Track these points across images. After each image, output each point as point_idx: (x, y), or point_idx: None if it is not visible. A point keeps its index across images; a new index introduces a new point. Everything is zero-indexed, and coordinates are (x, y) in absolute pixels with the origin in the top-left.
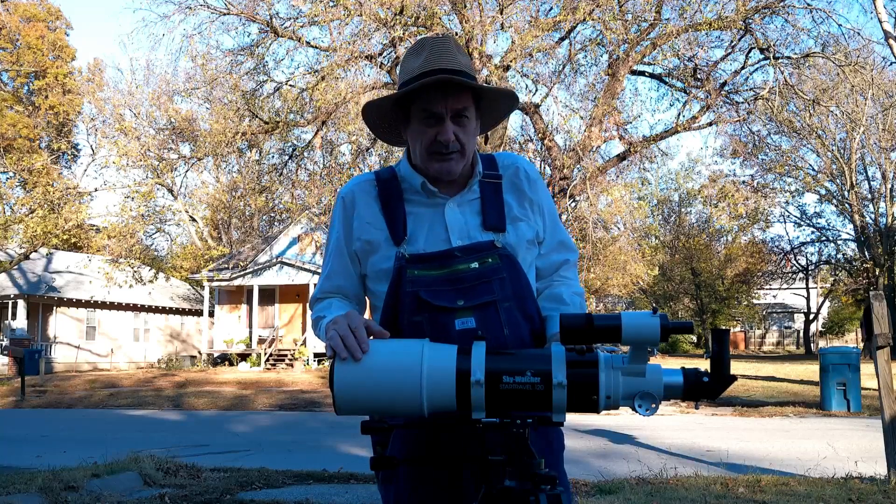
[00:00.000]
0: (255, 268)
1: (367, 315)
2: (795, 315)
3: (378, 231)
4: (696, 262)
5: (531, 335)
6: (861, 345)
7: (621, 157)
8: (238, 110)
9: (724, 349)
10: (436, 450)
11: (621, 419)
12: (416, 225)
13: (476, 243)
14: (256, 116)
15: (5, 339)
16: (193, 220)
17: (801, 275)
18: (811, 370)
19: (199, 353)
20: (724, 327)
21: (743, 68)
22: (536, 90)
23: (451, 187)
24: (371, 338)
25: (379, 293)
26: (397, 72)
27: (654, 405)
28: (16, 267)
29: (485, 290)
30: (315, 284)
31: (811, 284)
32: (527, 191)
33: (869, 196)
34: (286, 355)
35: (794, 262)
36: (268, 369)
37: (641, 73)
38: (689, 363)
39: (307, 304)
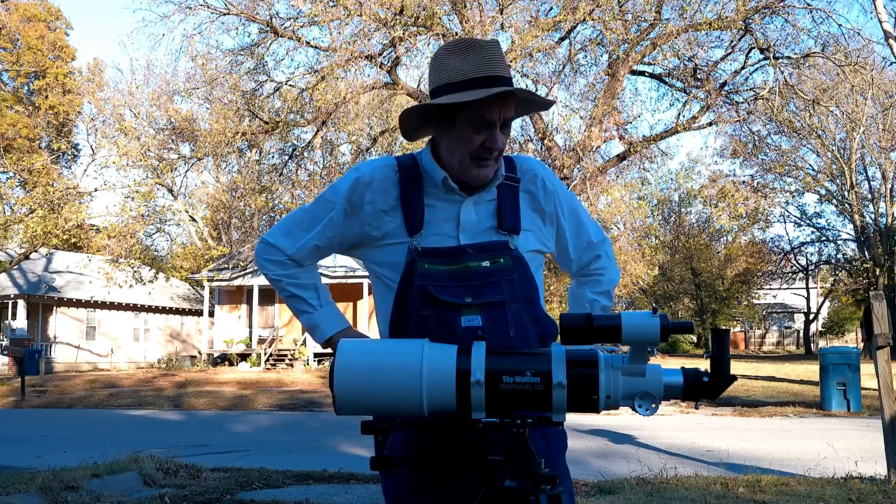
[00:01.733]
0: (255, 268)
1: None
2: (795, 315)
3: (392, 219)
4: (696, 262)
5: (538, 338)
6: (861, 345)
7: (621, 157)
8: (238, 110)
9: (724, 349)
10: (436, 450)
11: (621, 419)
12: (429, 218)
13: (489, 242)
14: (256, 116)
15: (5, 339)
16: (193, 220)
17: (801, 275)
18: (811, 370)
19: (199, 353)
20: (724, 327)
21: (743, 68)
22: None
23: (471, 186)
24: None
25: (391, 280)
26: (428, 70)
27: (654, 405)
28: (16, 267)
29: (494, 289)
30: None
31: (811, 284)
32: (541, 201)
33: (869, 196)
34: (286, 355)
35: (794, 262)
36: (268, 369)
37: (641, 73)
38: (689, 363)
39: None
